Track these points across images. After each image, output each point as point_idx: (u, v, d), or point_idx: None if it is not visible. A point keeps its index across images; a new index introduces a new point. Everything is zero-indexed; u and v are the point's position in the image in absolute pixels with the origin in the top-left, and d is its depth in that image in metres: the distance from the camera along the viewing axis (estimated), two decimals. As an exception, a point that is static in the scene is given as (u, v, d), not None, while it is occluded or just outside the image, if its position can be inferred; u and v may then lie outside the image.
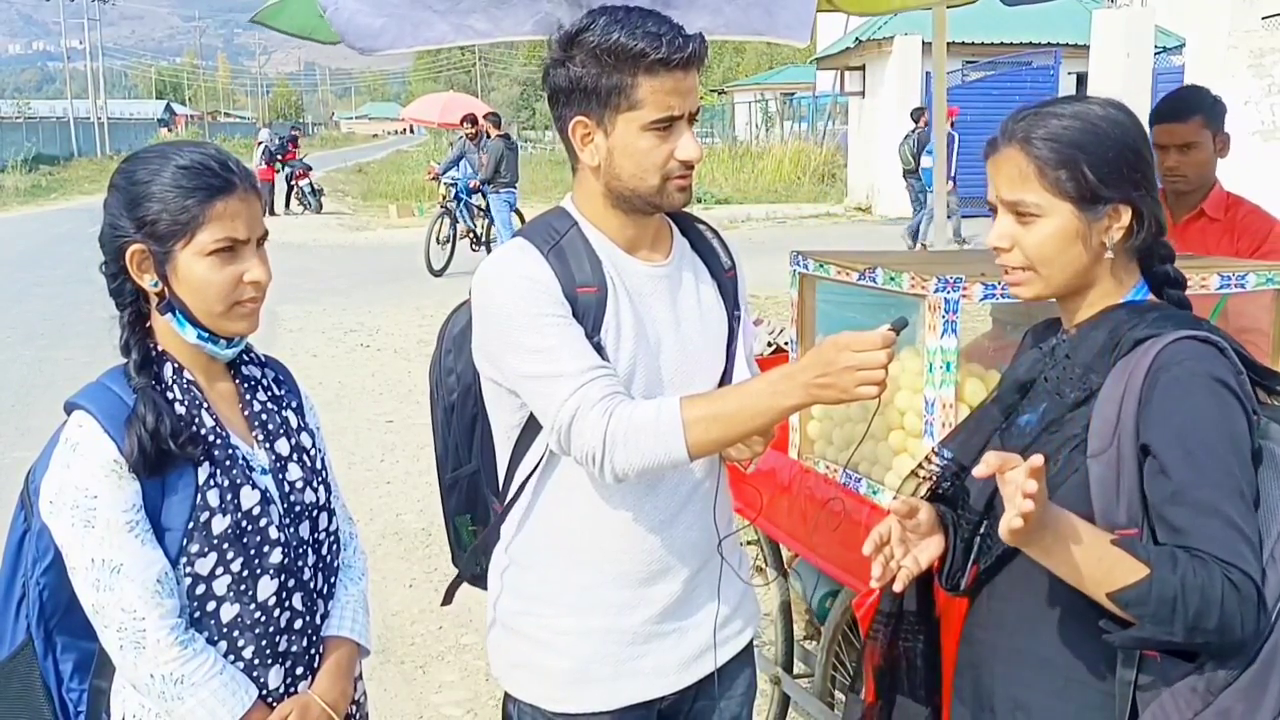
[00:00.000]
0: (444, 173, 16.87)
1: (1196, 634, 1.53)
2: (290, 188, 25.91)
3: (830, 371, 1.76)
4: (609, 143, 1.95)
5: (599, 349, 1.94)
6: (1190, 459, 1.57)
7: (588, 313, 1.95)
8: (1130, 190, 1.70)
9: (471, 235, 16.31)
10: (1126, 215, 1.71)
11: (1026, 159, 1.71)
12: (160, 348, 1.90)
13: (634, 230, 2.04)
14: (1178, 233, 3.57)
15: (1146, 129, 1.77)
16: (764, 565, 3.64)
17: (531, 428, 2.03)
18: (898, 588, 1.79)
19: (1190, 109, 3.54)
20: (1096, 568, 1.55)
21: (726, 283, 2.17)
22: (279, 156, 25.76)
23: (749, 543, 3.81)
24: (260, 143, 26.44)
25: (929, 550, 1.79)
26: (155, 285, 1.85)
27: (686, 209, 2.10)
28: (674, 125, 1.94)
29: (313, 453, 2.05)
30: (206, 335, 1.89)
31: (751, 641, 2.29)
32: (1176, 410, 1.59)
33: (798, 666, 3.59)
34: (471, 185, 16.07)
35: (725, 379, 2.13)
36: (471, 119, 17.06)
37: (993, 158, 1.76)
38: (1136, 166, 1.71)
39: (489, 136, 16.05)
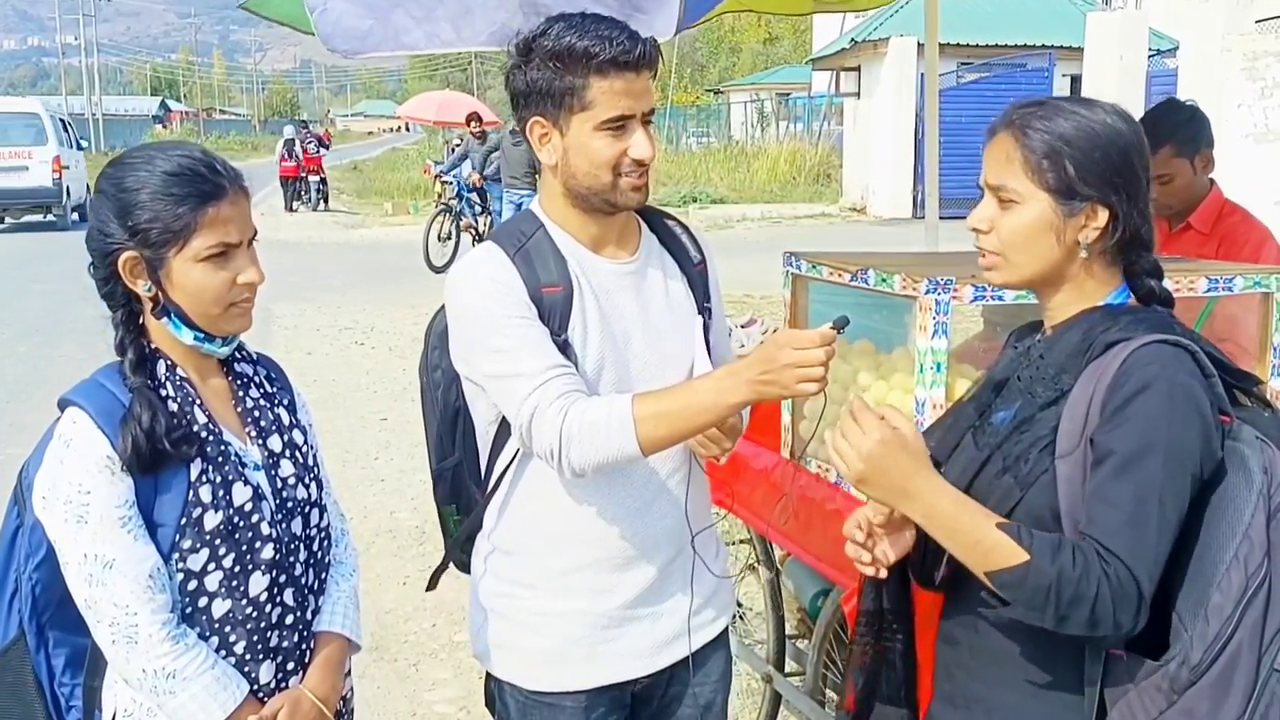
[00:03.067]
0: (448, 171, 16.86)
1: (1067, 624, 1.58)
2: (300, 179, 25.63)
3: (772, 369, 1.82)
4: (564, 142, 2.02)
5: (566, 347, 2.01)
6: (1123, 460, 1.60)
7: (554, 312, 2.01)
8: (1110, 193, 1.71)
9: (473, 231, 16.30)
10: (1103, 216, 1.72)
11: (1015, 145, 1.74)
12: (153, 346, 1.91)
13: (598, 229, 2.10)
14: (1170, 241, 3.56)
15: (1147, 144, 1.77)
16: (756, 563, 3.66)
17: (508, 423, 2.08)
18: (882, 574, 1.83)
19: (1156, 141, 3.33)
20: (975, 548, 1.63)
21: (696, 276, 2.23)
22: (305, 156, 25.19)
23: (742, 541, 3.83)
24: (289, 139, 25.54)
25: (899, 545, 1.83)
26: (149, 290, 1.86)
27: (666, 203, 2.15)
28: (627, 125, 2.00)
29: (305, 449, 2.06)
30: (202, 336, 1.90)
31: (726, 629, 2.34)
32: (1128, 411, 1.61)
33: (789, 665, 3.61)
34: (474, 182, 16.06)
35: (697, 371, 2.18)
36: (477, 117, 17.07)
37: (990, 142, 1.79)
38: (1121, 172, 1.72)
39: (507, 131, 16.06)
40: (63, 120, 24.77)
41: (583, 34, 1.96)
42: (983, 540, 1.62)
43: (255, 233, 1.93)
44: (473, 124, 17.12)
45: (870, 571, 1.83)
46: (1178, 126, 3.51)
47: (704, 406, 1.89)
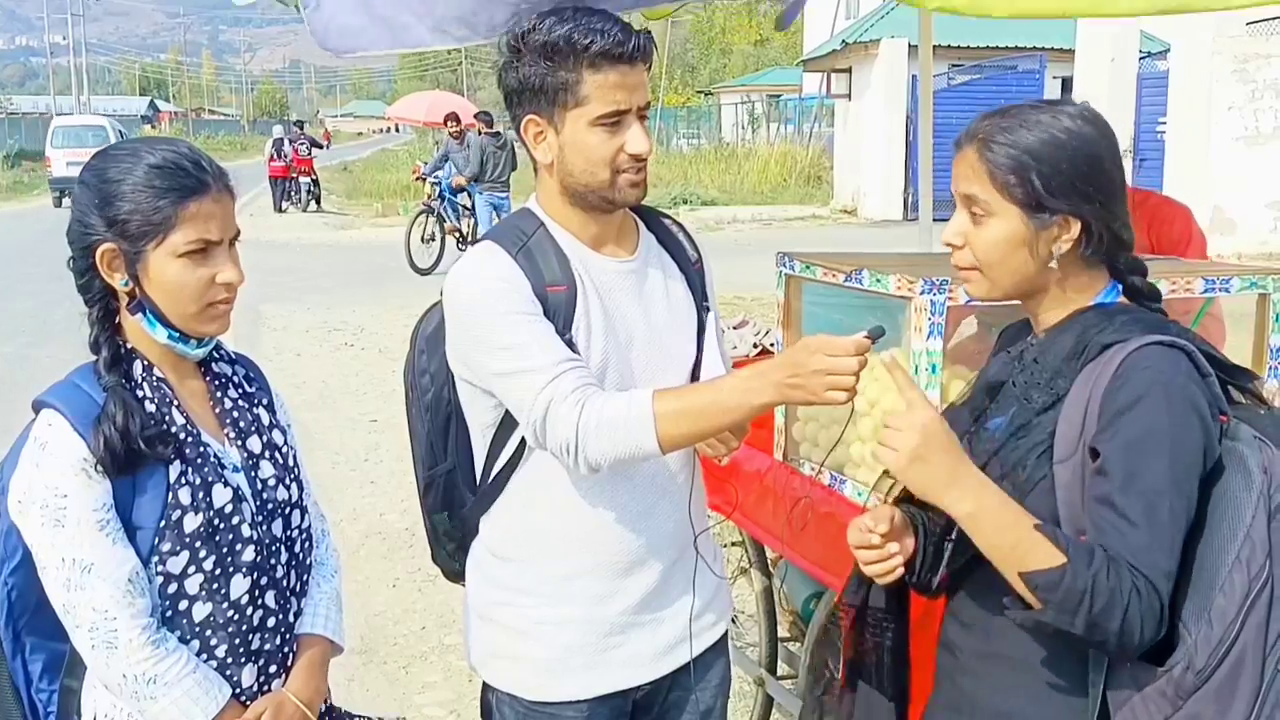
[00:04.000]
0: (431, 173, 16.78)
1: (1095, 631, 1.55)
2: (291, 180, 25.58)
3: (801, 373, 1.78)
4: (559, 140, 1.99)
5: (570, 346, 1.97)
6: (1129, 470, 1.58)
7: (558, 311, 1.98)
8: (1081, 203, 1.68)
9: (458, 234, 16.20)
10: (1075, 228, 1.70)
11: (980, 160, 1.71)
12: (129, 345, 1.88)
13: (598, 227, 2.07)
14: None
15: (1116, 140, 1.75)
16: (748, 566, 3.64)
17: (506, 426, 2.05)
18: (885, 581, 1.79)
19: None
20: (1016, 548, 1.59)
21: (694, 276, 2.20)
22: (295, 157, 25.19)
23: (734, 543, 3.81)
24: (277, 138, 25.78)
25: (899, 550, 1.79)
26: (126, 284, 1.83)
27: (653, 206, 2.15)
28: (622, 120, 1.97)
29: (284, 450, 2.04)
30: (177, 335, 1.87)
31: (726, 634, 2.31)
32: (1127, 418, 1.59)
33: (781, 668, 3.59)
34: (455, 184, 15.99)
35: (696, 370, 2.16)
36: (454, 118, 16.97)
37: (957, 155, 1.76)
38: (1091, 180, 1.69)
39: (479, 134, 15.99)
40: (120, 131, 30.37)
41: (574, 27, 1.92)
42: (1023, 539, 1.58)
43: (238, 233, 1.91)
44: (450, 124, 16.97)
45: (890, 568, 1.75)
46: None
47: (729, 406, 1.85)
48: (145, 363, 1.87)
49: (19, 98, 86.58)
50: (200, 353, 1.93)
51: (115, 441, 1.75)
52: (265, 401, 2.05)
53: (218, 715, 1.83)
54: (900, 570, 1.77)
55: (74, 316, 1.93)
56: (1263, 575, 1.55)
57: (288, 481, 2.01)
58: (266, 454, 1.98)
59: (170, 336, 1.86)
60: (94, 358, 1.86)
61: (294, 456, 2.06)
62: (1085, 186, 1.68)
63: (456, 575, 2.33)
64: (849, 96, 24.19)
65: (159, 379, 1.87)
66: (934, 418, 1.63)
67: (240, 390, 2.01)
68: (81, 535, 1.75)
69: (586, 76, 1.93)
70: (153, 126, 64.80)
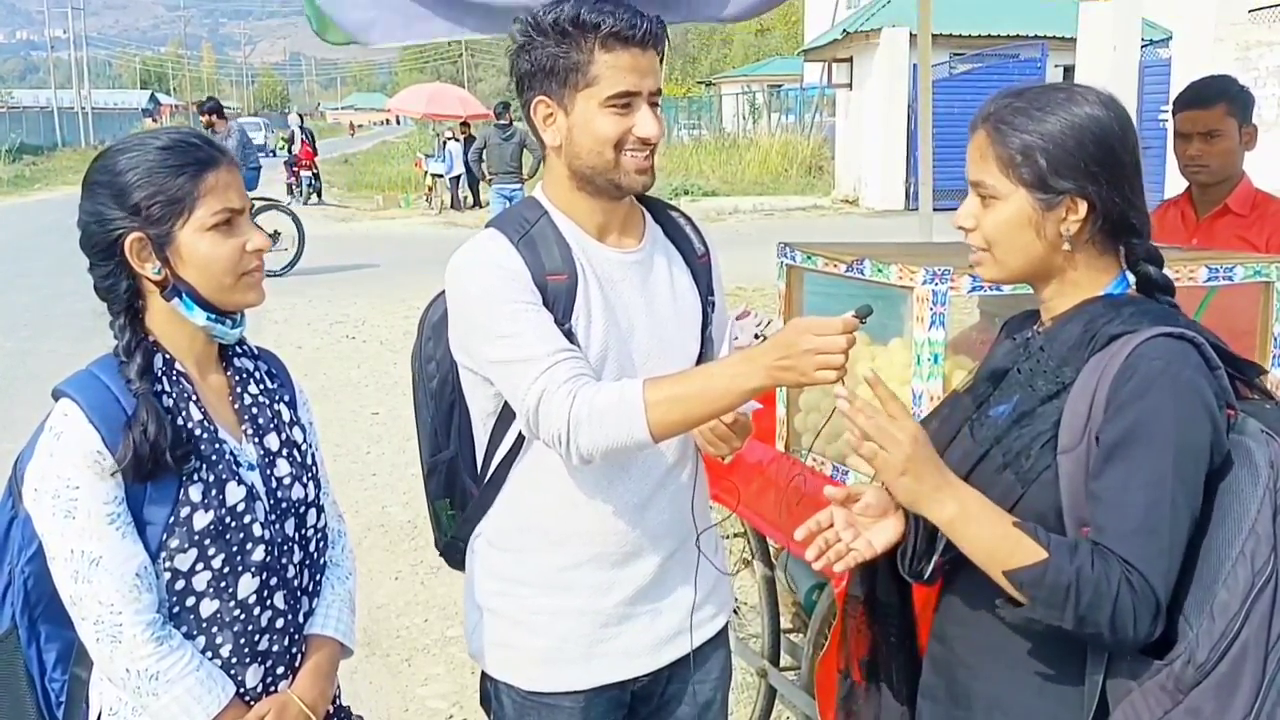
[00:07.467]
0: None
1: (1087, 625, 1.55)
2: (294, 172, 25.76)
3: (791, 354, 1.77)
4: (569, 121, 1.99)
5: (570, 336, 1.97)
6: (1130, 461, 1.57)
7: (558, 300, 1.98)
8: (1087, 183, 1.67)
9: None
10: (1083, 208, 1.69)
11: (988, 141, 1.72)
12: (151, 339, 1.87)
13: (603, 216, 2.07)
14: (1200, 229, 3.52)
15: (1135, 128, 1.73)
16: (750, 558, 3.64)
17: (507, 414, 2.06)
18: (839, 568, 1.78)
19: (1214, 95, 3.43)
20: (1000, 545, 1.60)
21: (700, 268, 2.21)
22: (295, 153, 25.47)
23: (735, 535, 3.81)
24: (303, 127, 26.22)
25: (884, 534, 1.79)
26: (158, 272, 1.83)
27: (658, 195, 2.16)
28: (633, 103, 1.97)
29: (304, 448, 2.03)
30: (215, 316, 1.87)
31: (726, 626, 2.31)
32: (1133, 409, 1.59)
33: (784, 659, 3.59)
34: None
35: (701, 363, 2.15)
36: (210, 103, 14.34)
37: (970, 138, 1.76)
38: (1099, 161, 1.67)
39: (487, 124, 15.92)
40: (270, 129, 30.07)
41: (588, 9, 1.94)
42: (1008, 536, 1.59)
43: (251, 205, 1.92)
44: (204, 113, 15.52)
45: (839, 568, 1.77)
46: (1230, 89, 3.49)
47: (720, 391, 1.84)
48: (166, 356, 1.87)
49: (19, 92, 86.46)
50: (236, 334, 1.93)
51: (143, 450, 1.75)
52: (287, 398, 2.05)
53: (219, 714, 1.83)
54: (854, 558, 1.77)
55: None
56: (1267, 570, 1.54)
57: (304, 480, 2.00)
58: (284, 451, 1.98)
59: (209, 318, 1.87)
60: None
61: (313, 455, 2.06)
62: (1092, 167, 1.67)
63: (459, 563, 2.34)
64: (850, 86, 24.13)
65: (179, 374, 1.87)
66: (920, 430, 1.65)
67: (261, 386, 2.01)
68: (91, 528, 1.76)
69: (598, 56, 1.94)
70: (154, 120, 64.77)
